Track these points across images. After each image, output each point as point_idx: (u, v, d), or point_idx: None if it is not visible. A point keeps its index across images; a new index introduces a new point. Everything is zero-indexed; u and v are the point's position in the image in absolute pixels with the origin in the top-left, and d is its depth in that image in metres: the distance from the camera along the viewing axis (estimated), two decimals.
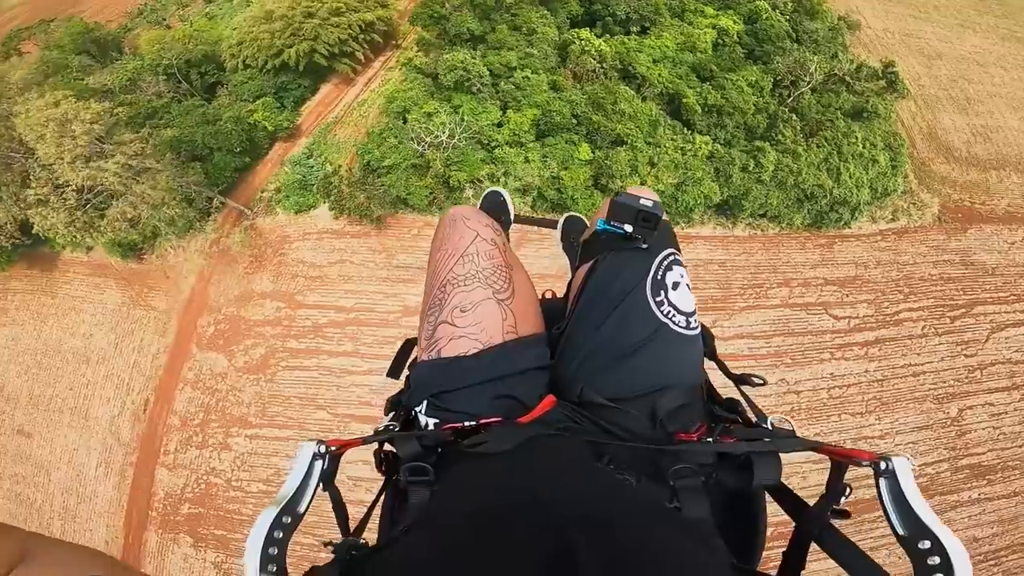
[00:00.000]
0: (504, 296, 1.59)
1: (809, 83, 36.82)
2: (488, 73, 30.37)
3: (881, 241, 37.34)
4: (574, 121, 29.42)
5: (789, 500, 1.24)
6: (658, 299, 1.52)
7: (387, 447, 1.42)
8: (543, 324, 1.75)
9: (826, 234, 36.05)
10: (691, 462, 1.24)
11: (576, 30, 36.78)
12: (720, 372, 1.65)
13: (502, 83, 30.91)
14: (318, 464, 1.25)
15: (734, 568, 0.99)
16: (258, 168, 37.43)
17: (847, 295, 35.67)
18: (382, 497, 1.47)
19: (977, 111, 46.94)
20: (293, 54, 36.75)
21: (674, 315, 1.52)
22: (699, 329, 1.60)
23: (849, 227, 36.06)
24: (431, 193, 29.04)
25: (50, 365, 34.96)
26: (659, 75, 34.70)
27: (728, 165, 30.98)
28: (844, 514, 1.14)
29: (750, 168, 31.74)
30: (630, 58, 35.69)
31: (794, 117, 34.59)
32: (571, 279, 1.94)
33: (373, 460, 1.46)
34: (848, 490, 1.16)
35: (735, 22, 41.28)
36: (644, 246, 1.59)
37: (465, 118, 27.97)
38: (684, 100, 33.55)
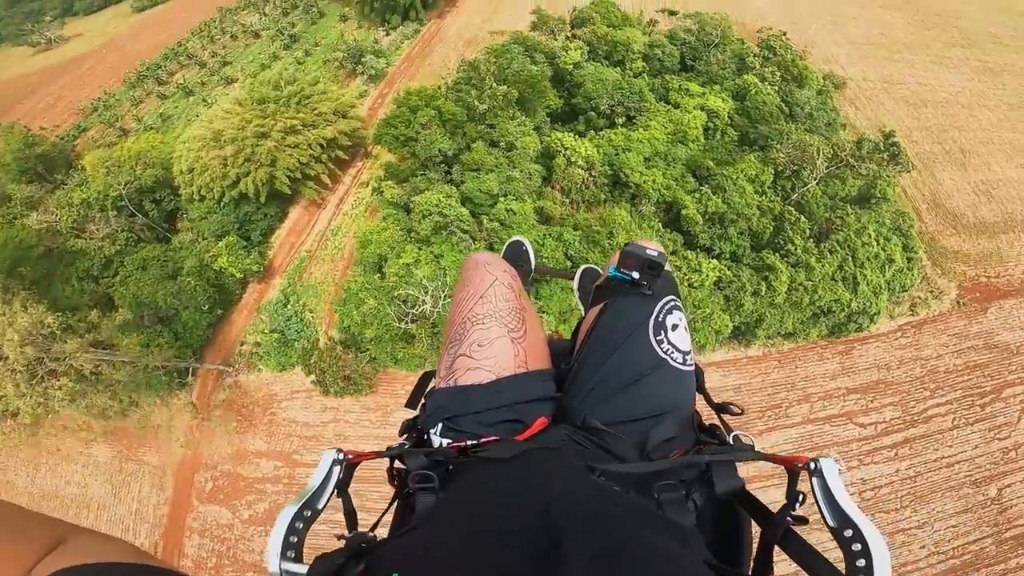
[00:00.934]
0: (518, 335, 1.66)
1: (812, 173, 33.23)
2: (468, 214, 26.17)
3: (901, 337, 34.08)
4: (568, 263, 25.36)
5: (757, 509, 1.30)
6: (659, 338, 1.60)
7: (398, 464, 1.45)
8: (551, 362, 1.80)
9: (844, 339, 32.49)
10: (674, 478, 1.31)
11: (559, 135, 32.82)
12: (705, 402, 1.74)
13: (484, 221, 26.81)
14: (336, 469, 1.35)
15: (708, 564, 1.01)
16: (233, 316, 33.12)
17: (871, 401, 32.31)
18: (393, 506, 1.53)
19: (974, 164, 43.96)
20: (251, 184, 32.22)
21: (673, 352, 1.59)
22: (694, 367, 1.66)
23: (868, 329, 32.48)
24: (423, 358, 24.93)
25: (49, 509, 30.98)
26: (653, 182, 30.85)
27: (738, 292, 27.26)
28: (802, 520, 1.18)
29: (762, 292, 27.95)
30: (620, 162, 31.83)
31: (802, 219, 30.86)
32: (580, 321, 2.01)
33: (386, 475, 1.48)
34: (803, 497, 1.20)
35: (724, 100, 37.66)
36: (649, 292, 1.69)
37: (449, 274, 23.78)
38: (684, 211, 29.64)
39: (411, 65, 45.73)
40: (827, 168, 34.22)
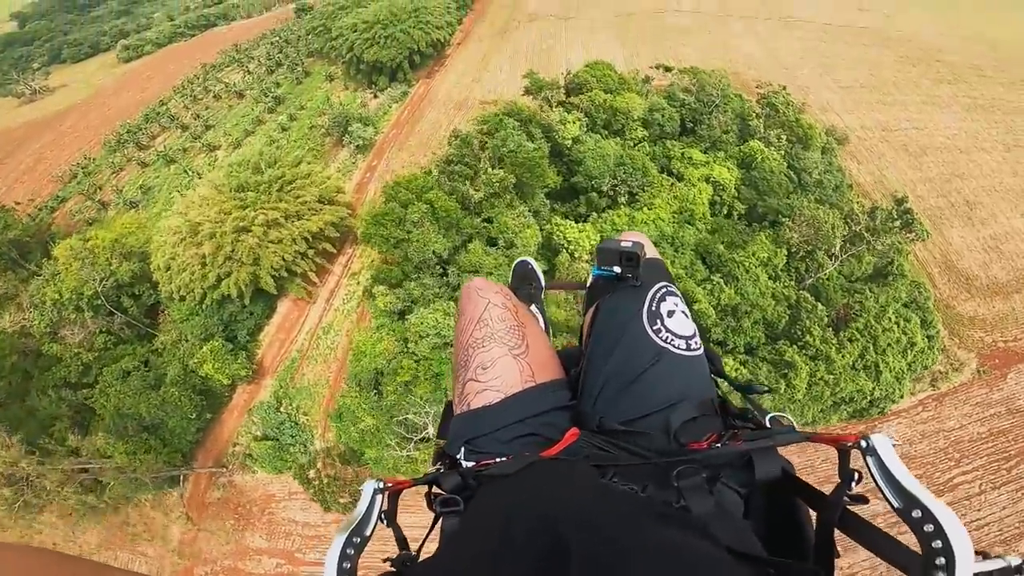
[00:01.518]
0: (519, 351, 1.65)
1: (828, 252, 31.26)
2: None
3: (923, 412, 32.37)
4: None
5: (808, 493, 1.23)
6: (655, 327, 1.56)
7: (435, 490, 1.45)
8: (561, 371, 1.76)
9: (865, 420, 30.60)
10: (695, 463, 1.24)
11: (560, 223, 30.58)
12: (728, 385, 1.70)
13: None
14: (379, 498, 1.36)
15: (733, 553, 0.95)
16: (223, 417, 30.66)
17: None
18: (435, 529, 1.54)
19: (980, 217, 42.41)
20: (233, 286, 29.56)
21: (673, 340, 1.54)
22: (701, 350, 1.59)
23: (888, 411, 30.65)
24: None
25: None
26: None
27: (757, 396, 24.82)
28: (862, 499, 1.10)
29: (781, 389, 25.77)
30: None
31: (819, 307, 28.80)
32: (581, 326, 1.96)
33: (425, 501, 1.46)
34: (858, 475, 1.11)
35: (729, 170, 35.61)
36: (637, 283, 1.65)
37: (449, 394, 21.24)
38: (696, 304, 27.37)
39: (400, 132, 43.40)
40: (842, 246, 32.32)
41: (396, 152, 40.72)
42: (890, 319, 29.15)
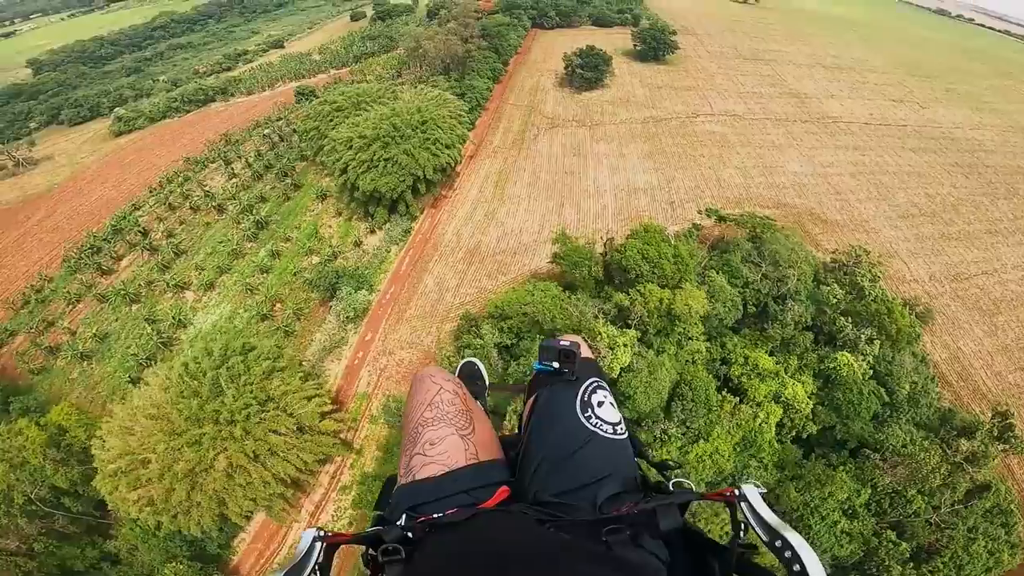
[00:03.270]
0: (466, 432, 1.73)
1: (922, 487, 23.63)
2: None
3: None
4: None
5: (709, 545, 1.33)
6: (587, 415, 1.67)
7: (371, 551, 1.43)
8: (502, 453, 1.85)
9: None
10: (622, 523, 1.35)
11: None
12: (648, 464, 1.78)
13: None
14: (318, 545, 1.35)
15: None
16: None
17: None
18: None
19: None
20: (194, 525, 22.35)
21: (602, 425, 1.65)
22: (626, 435, 1.70)
23: None
24: None
25: None
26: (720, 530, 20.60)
27: None
28: (751, 547, 1.21)
29: None
30: None
31: (903, 544, 22.53)
32: (520, 413, 2.05)
33: (361, 560, 1.46)
34: (744, 526, 1.27)
35: (804, 385, 27.63)
36: (573, 377, 1.79)
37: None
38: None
39: (400, 290, 35.14)
40: (932, 470, 24.87)
41: (394, 324, 32.59)
42: (980, 547, 23.63)
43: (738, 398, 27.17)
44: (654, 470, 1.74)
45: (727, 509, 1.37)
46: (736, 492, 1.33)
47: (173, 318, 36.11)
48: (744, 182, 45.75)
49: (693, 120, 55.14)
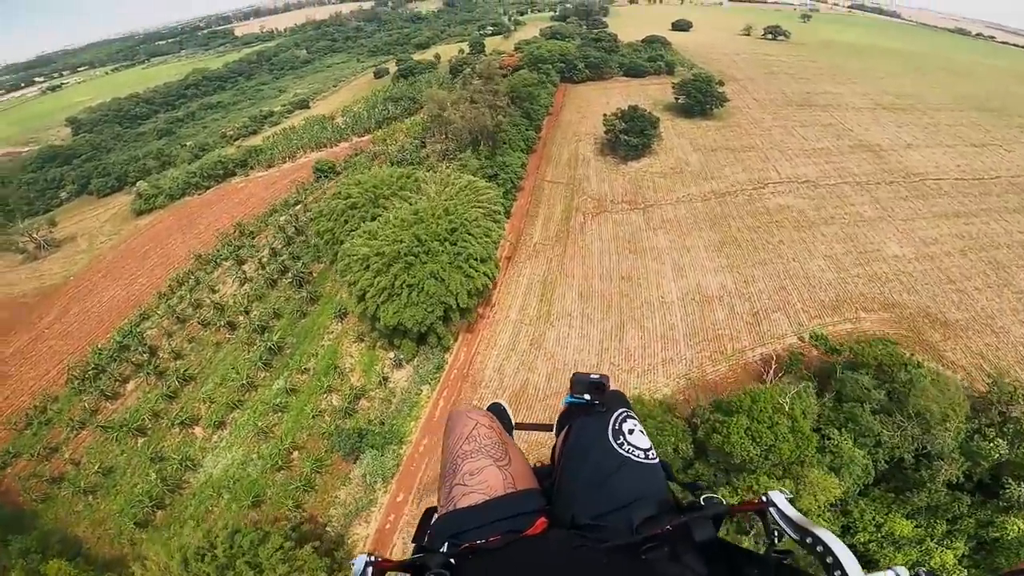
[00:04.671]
0: (503, 463, 1.76)
1: None
2: None
3: None
4: None
5: (746, 555, 1.32)
6: (619, 441, 1.67)
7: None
8: (536, 483, 1.86)
9: None
10: (658, 541, 1.34)
11: None
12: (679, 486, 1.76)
13: None
14: (369, 570, 1.38)
15: None
16: None
17: None
18: None
19: None
20: None
21: (634, 451, 1.65)
22: (657, 460, 1.71)
23: None
24: None
25: None
26: None
27: None
28: (787, 553, 1.21)
29: None
30: None
31: None
32: (554, 447, 2.06)
33: None
34: (777, 533, 1.29)
35: (955, 553, 19.48)
36: (603, 409, 1.80)
37: None
38: None
39: (435, 443, 27.85)
40: None
41: (429, 483, 25.51)
42: None
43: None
44: (687, 493, 1.72)
45: (758, 519, 1.38)
46: (764, 498, 1.35)
47: (181, 461, 30.68)
48: (838, 277, 36.93)
49: (761, 192, 46.74)
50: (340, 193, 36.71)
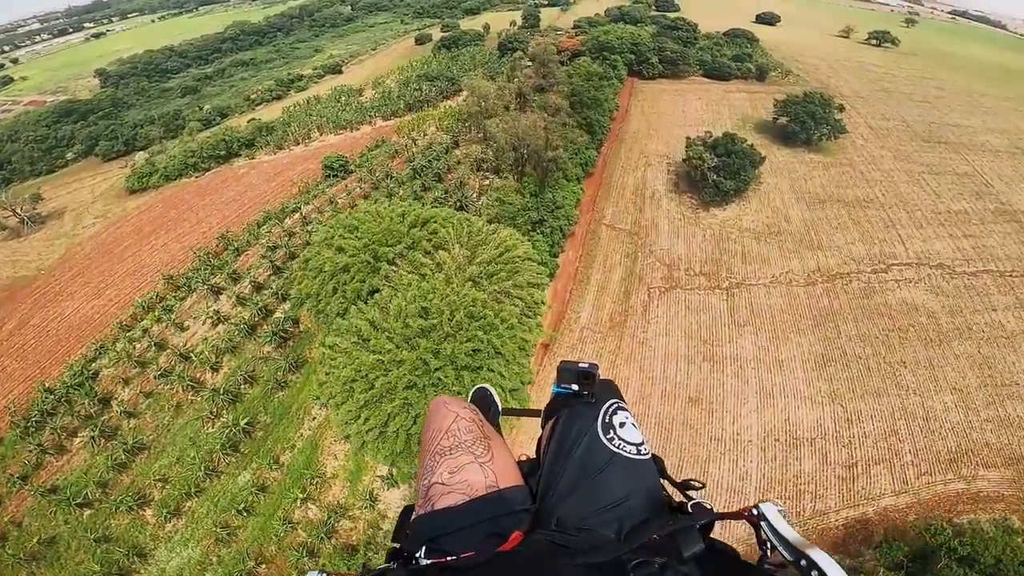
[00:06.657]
0: (485, 460, 1.66)
1: None
2: None
3: None
4: None
5: (739, 566, 1.25)
6: (609, 436, 1.59)
7: None
8: (521, 479, 1.75)
9: None
10: (647, 555, 1.24)
11: None
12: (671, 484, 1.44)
13: None
14: None
15: None
16: None
17: None
18: None
19: None
20: None
21: (624, 446, 1.58)
22: (650, 455, 1.62)
23: None
24: None
25: None
26: None
27: None
28: (780, 564, 1.14)
29: None
30: None
31: None
32: (539, 438, 1.97)
33: None
34: (769, 544, 1.20)
35: None
36: (592, 400, 1.70)
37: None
38: None
39: None
40: None
41: None
42: None
43: None
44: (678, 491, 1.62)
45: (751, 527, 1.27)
46: (755, 511, 1.25)
47: (128, 550, 23.94)
48: (964, 419, 25.83)
49: (882, 277, 34.24)
50: (331, 240, 26.47)
